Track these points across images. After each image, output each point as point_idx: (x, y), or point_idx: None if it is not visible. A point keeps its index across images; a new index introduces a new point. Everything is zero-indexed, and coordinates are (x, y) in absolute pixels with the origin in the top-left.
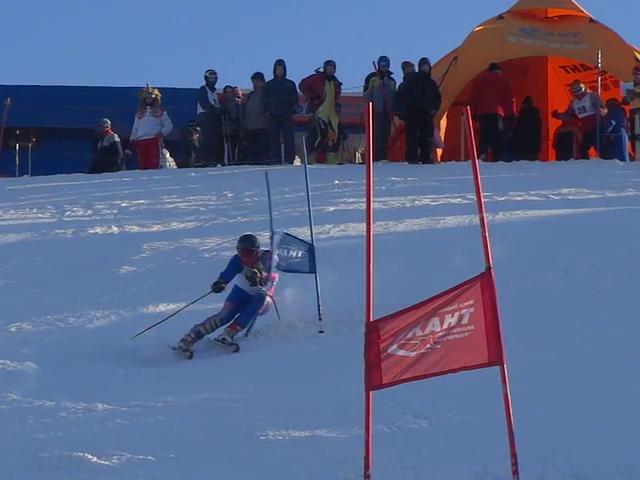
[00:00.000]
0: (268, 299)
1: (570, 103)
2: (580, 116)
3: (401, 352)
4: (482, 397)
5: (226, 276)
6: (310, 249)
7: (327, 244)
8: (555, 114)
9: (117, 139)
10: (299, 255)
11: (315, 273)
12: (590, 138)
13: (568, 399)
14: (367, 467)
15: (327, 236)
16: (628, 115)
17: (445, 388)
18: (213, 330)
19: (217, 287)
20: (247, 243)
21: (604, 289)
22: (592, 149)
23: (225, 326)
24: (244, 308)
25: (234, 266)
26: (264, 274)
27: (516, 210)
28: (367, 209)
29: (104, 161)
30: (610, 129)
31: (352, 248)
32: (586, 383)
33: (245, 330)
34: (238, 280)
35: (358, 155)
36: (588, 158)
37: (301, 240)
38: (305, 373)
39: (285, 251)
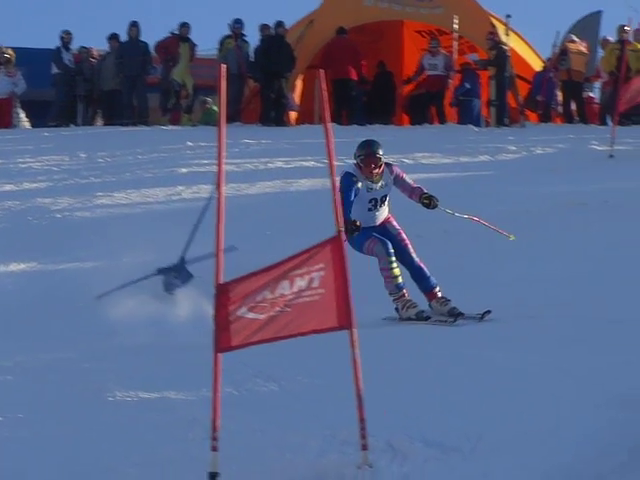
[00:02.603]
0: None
1: (421, 58)
2: (429, 72)
3: (250, 315)
4: (332, 361)
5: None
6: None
7: (179, 205)
8: (405, 81)
9: None
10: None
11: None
12: (435, 99)
13: (418, 365)
14: (215, 429)
15: (179, 198)
16: (484, 81)
17: (295, 352)
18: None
19: (355, 226)
20: (374, 147)
21: (457, 255)
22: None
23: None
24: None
25: (353, 188)
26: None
27: None
28: (219, 171)
29: None
30: (462, 91)
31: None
32: (437, 349)
33: None
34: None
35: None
36: (430, 122)
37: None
38: (155, 333)
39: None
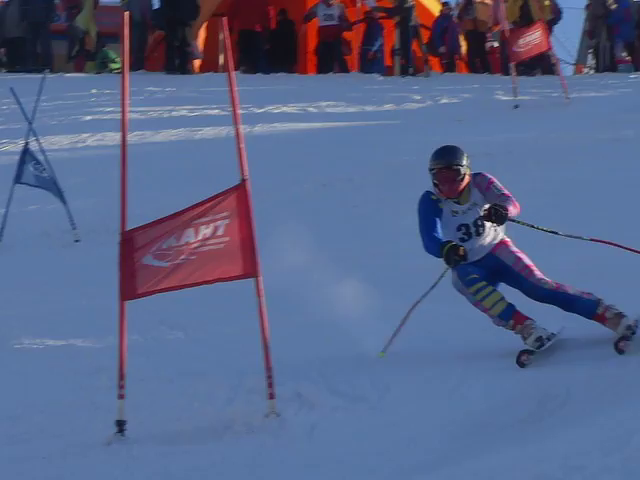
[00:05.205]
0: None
1: (314, 7)
2: (324, 23)
3: (156, 263)
4: (238, 310)
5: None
6: (52, 175)
7: (84, 153)
8: (305, 18)
9: None
10: (47, 175)
11: (63, 200)
12: (332, 49)
13: (327, 315)
14: (121, 377)
15: (84, 145)
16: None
17: (202, 299)
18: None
19: (458, 256)
20: (449, 157)
21: (360, 203)
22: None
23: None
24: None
25: (434, 211)
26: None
27: (274, 123)
28: (122, 118)
29: None
30: (377, 47)
31: (109, 157)
32: (345, 297)
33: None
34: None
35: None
36: (337, 71)
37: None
38: (60, 282)
39: (35, 166)
